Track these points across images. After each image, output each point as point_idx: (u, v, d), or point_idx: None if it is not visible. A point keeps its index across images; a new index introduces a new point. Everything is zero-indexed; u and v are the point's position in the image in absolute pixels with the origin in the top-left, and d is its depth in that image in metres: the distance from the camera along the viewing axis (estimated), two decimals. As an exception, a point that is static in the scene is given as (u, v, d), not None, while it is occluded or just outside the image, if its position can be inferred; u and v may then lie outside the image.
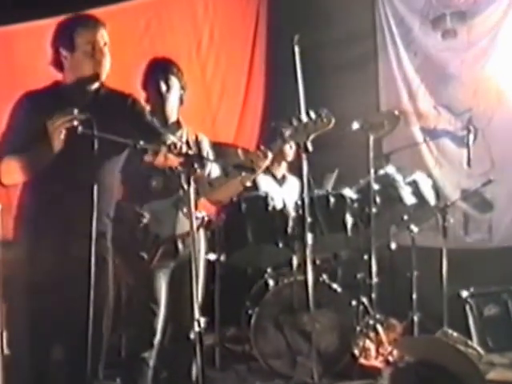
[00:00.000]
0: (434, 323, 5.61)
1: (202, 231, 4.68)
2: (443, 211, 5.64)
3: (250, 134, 7.07)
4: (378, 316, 5.36)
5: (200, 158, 3.91)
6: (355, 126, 5.28)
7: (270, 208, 5.23)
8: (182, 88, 4.75)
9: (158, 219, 4.49)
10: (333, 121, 4.27)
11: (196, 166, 3.66)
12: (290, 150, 5.88)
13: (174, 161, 3.89)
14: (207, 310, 4.63)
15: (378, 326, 5.36)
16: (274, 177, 6.07)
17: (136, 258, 4.37)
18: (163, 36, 6.94)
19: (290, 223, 5.20)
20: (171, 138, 3.85)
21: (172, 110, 4.71)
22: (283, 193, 5.81)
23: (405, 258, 5.71)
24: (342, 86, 6.77)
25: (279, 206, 5.27)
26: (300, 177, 4.61)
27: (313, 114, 4.27)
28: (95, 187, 3.54)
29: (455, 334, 5.45)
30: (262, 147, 4.46)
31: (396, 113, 5.68)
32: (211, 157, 4.87)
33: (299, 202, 5.15)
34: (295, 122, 4.27)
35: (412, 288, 5.62)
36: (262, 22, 7.28)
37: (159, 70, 4.68)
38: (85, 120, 3.59)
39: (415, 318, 5.58)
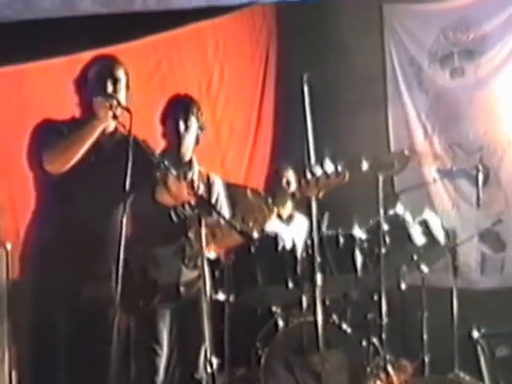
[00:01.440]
0: (444, 364, 5.56)
1: (208, 273, 4.68)
2: (453, 251, 5.61)
3: (259, 174, 7.08)
4: (388, 356, 5.29)
5: (210, 205, 3.93)
6: (364, 166, 5.28)
7: (279, 248, 5.23)
8: (200, 128, 4.77)
9: (158, 265, 4.51)
10: (347, 176, 4.24)
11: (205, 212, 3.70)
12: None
13: (184, 198, 3.90)
14: (217, 350, 4.60)
15: (389, 367, 5.29)
16: (279, 217, 6.09)
17: (133, 303, 4.37)
18: (173, 74, 7.01)
19: (300, 263, 5.20)
20: (191, 175, 3.87)
21: (187, 149, 4.73)
22: (291, 232, 5.81)
23: (415, 298, 5.68)
24: (353, 127, 6.80)
25: (288, 246, 5.27)
26: (308, 216, 4.62)
27: (328, 166, 4.24)
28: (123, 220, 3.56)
29: (467, 377, 5.40)
30: (269, 200, 4.46)
31: (406, 152, 5.69)
32: (223, 197, 4.88)
33: (309, 242, 5.15)
34: (308, 175, 4.25)
35: (422, 328, 5.58)
36: (272, 61, 7.33)
37: (180, 107, 4.70)
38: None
39: (426, 359, 5.53)
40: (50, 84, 6.34)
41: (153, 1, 6.73)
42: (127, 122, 3.75)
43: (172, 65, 7.07)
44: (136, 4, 6.74)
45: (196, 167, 4.77)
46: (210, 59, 7.26)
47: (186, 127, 4.68)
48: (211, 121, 7.00)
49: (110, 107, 3.78)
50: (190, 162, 4.76)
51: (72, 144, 3.79)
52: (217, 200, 4.86)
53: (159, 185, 3.97)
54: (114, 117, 3.80)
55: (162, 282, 4.53)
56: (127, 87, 4.11)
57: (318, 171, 4.26)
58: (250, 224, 4.53)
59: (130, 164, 3.55)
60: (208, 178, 4.89)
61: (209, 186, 4.79)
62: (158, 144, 4.69)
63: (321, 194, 4.35)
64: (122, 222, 3.59)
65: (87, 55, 6.32)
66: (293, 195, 4.55)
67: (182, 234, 4.51)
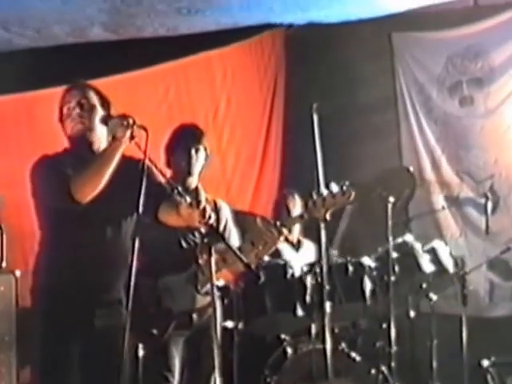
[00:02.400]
0: (454, 392, 5.56)
1: (219, 300, 4.69)
2: (462, 279, 5.60)
3: (266, 202, 7.05)
4: (397, 385, 5.30)
5: (219, 236, 3.93)
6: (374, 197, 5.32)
7: (288, 276, 5.23)
8: (207, 157, 4.81)
9: (172, 294, 4.53)
10: (353, 195, 4.28)
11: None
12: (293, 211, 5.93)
13: (194, 224, 3.91)
14: (226, 377, 4.60)
15: (398, 395, 5.30)
16: (288, 242, 6.10)
17: (147, 332, 4.38)
18: (181, 102, 7.04)
19: (309, 291, 5.19)
20: (204, 203, 3.88)
21: (194, 177, 4.76)
22: (300, 258, 5.81)
23: (424, 326, 5.66)
24: (362, 154, 6.81)
25: (297, 273, 5.27)
26: (317, 242, 4.63)
27: (334, 187, 4.28)
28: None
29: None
30: (278, 223, 4.48)
31: (410, 169, 5.70)
32: (231, 223, 4.90)
33: (317, 270, 5.15)
34: (315, 196, 4.29)
35: (432, 356, 5.58)
36: (280, 89, 7.33)
37: (190, 137, 4.74)
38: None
39: (435, 388, 5.54)
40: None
41: (163, 28, 6.76)
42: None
43: (179, 93, 7.10)
44: (146, 31, 6.78)
45: (203, 194, 4.80)
46: (218, 88, 7.28)
47: (196, 156, 4.73)
48: (217, 149, 7.01)
49: (127, 126, 3.76)
50: (197, 189, 4.80)
51: (97, 171, 3.77)
52: (225, 226, 4.88)
53: (163, 205, 3.96)
54: (131, 137, 3.77)
55: (176, 310, 4.55)
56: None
57: (324, 192, 4.30)
58: (260, 247, 4.56)
59: (143, 187, 3.56)
60: (215, 203, 4.91)
61: (216, 212, 4.81)
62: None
63: (328, 215, 4.37)
64: (133, 246, 3.59)
65: (97, 83, 6.41)
66: (301, 217, 4.55)
67: (193, 261, 4.54)
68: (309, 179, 4.48)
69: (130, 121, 3.78)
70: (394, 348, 5.29)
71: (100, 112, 4.02)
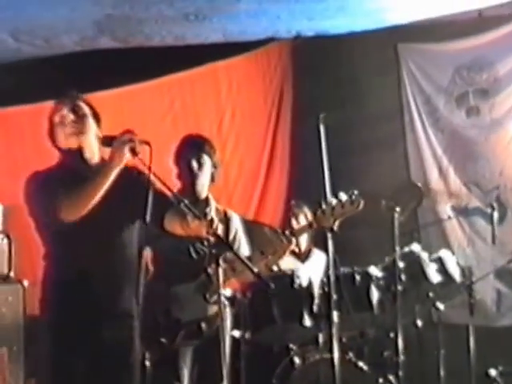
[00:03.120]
0: (462, 401, 5.56)
1: (228, 309, 4.70)
2: (469, 288, 5.61)
3: (271, 213, 7.09)
4: (405, 394, 5.30)
5: (228, 246, 3.95)
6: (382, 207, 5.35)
7: (295, 286, 5.24)
8: (214, 166, 4.82)
9: (181, 304, 4.55)
10: (361, 204, 4.30)
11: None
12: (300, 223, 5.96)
13: (202, 234, 3.92)
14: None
15: (406, 405, 5.31)
16: (294, 253, 6.12)
17: (156, 342, 4.40)
18: (186, 114, 7.05)
19: (316, 301, 5.20)
20: (211, 214, 3.89)
21: (202, 188, 4.79)
22: (307, 269, 5.82)
23: (432, 335, 5.67)
24: (370, 165, 6.84)
25: (305, 283, 5.28)
26: (325, 252, 4.65)
27: (343, 196, 4.30)
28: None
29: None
30: (287, 232, 4.50)
31: (419, 184, 5.73)
32: (241, 233, 4.91)
33: (325, 280, 5.16)
34: (323, 205, 4.31)
35: (439, 366, 5.58)
36: (287, 100, 7.34)
37: (192, 147, 4.76)
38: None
39: (443, 397, 5.54)
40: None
41: (170, 36, 6.78)
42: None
43: (185, 105, 7.11)
44: (154, 40, 6.80)
45: (213, 204, 4.82)
46: (223, 99, 7.29)
47: (200, 166, 4.75)
48: (220, 160, 7.04)
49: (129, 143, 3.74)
50: (207, 199, 4.81)
51: (88, 192, 3.72)
52: (235, 236, 4.89)
53: (169, 215, 3.96)
54: (134, 153, 3.76)
55: (185, 320, 4.57)
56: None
57: (333, 201, 4.32)
58: (270, 256, 4.57)
59: (150, 198, 3.57)
60: (225, 214, 4.93)
61: (226, 222, 4.84)
62: (174, 185, 4.73)
63: (336, 224, 4.39)
64: (140, 256, 3.61)
65: (102, 95, 6.44)
66: (310, 225, 4.57)
67: (202, 271, 4.56)
68: (316, 190, 4.50)
69: (131, 137, 3.71)
70: (402, 357, 5.31)
71: (92, 122, 4.01)
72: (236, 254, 4.03)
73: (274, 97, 7.35)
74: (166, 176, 4.22)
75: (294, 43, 7.24)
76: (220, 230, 3.95)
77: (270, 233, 4.92)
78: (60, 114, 3.99)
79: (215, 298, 4.60)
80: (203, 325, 4.61)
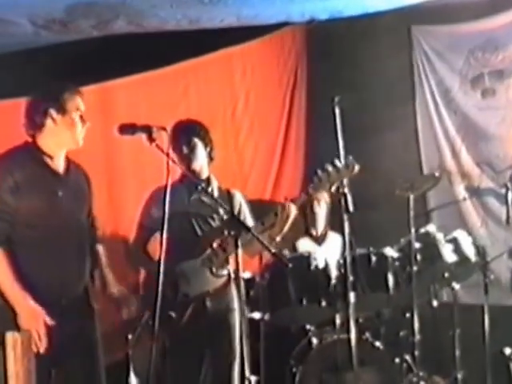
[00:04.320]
0: (477, 381, 5.60)
1: (233, 288, 4.80)
2: (484, 268, 5.64)
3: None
4: (421, 373, 5.35)
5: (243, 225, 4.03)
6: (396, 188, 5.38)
7: (312, 267, 5.31)
8: (207, 145, 4.89)
9: (187, 278, 4.65)
10: (356, 167, 4.37)
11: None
12: (319, 209, 6.02)
13: None
14: (252, 368, 4.69)
15: (422, 384, 5.37)
16: (311, 236, 6.19)
17: (166, 317, 4.49)
18: (200, 100, 7.05)
19: (333, 282, 5.27)
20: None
21: (201, 168, 4.86)
22: (323, 252, 5.88)
23: (447, 315, 5.72)
24: (384, 146, 6.87)
25: (321, 265, 5.34)
26: (342, 234, 4.71)
27: (337, 162, 4.38)
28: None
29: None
30: (286, 202, 4.58)
31: (437, 174, 5.76)
32: (245, 210, 4.99)
33: (341, 261, 5.22)
34: (319, 172, 4.39)
35: (455, 345, 5.63)
36: (302, 84, 7.35)
37: (181, 133, 4.83)
38: None
39: (459, 376, 5.58)
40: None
41: (185, 21, 6.77)
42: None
43: (199, 91, 7.12)
44: (169, 24, 6.80)
45: (215, 183, 4.91)
46: (237, 84, 7.26)
47: (191, 149, 4.83)
48: (234, 145, 7.06)
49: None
50: (208, 179, 4.90)
51: None
52: (239, 211, 4.96)
53: None
54: (151, 139, 3.79)
55: (193, 294, 4.68)
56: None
57: (329, 167, 4.38)
58: (274, 228, 4.64)
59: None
60: (228, 192, 5.00)
61: (230, 200, 4.91)
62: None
63: (333, 189, 4.45)
64: (162, 240, 3.70)
65: (118, 83, 6.49)
66: (307, 193, 4.62)
67: (207, 246, 4.67)
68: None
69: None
70: (418, 337, 5.36)
71: None
72: (254, 235, 4.10)
73: (288, 81, 7.35)
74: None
75: (308, 27, 7.26)
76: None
77: (271, 206, 5.02)
78: None
79: (222, 271, 4.72)
80: (208, 299, 4.71)
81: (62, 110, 3.96)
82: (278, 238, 4.75)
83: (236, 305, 4.78)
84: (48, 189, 3.95)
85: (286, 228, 4.71)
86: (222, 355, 4.80)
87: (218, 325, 4.78)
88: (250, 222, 4.88)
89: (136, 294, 4.66)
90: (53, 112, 3.95)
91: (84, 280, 4.11)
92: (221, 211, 4.76)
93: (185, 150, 4.82)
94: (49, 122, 3.96)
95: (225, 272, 4.78)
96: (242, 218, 4.83)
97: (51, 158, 4.01)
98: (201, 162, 4.88)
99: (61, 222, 3.97)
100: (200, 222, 4.83)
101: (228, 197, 4.93)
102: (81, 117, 4.03)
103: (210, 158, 4.94)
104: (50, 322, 3.76)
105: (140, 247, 4.90)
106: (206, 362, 4.84)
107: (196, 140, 4.86)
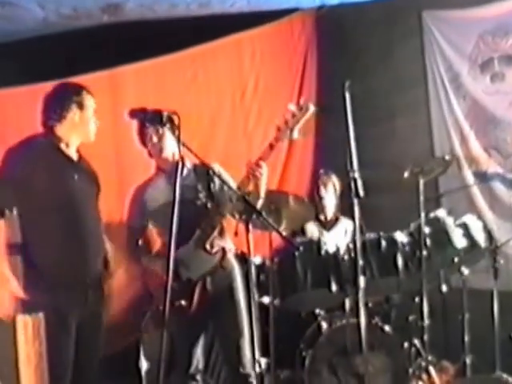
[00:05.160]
0: (486, 365, 5.60)
1: (237, 268, 4.85)
2: (494, 253, 5.64)
3: (296, 184, 7.10)
4: (430, 358, 5.36)
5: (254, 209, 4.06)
6: (406, 174, 5.37)
7: (322, 252, 5.32)
8: (172, 130, 4.87)
9: (186, 264, 4.69)
10: (311, 109, 4.42)
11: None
12: (326, 195, 6.03)
13: None
14: (262, 352, 4.72)
15: (431, 368, 5.36)
16: (320, 222, 6.19)
17: (175, 307, 4.53)
18: (209, 85, 7.06)
19: (343, 267, 5.28)
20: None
21: (173, 155, 4.87)
22: (333, 237, 5.90)
23: (456, 300, 5.73)
24: (394, 132, 6.87)
25: (331, 249, 5.35)
26: (352, 219, 4.71)
27: (291, 107, 4.45)
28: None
29: (510, 378, 5.42)
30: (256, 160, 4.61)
31: (447, 157, 5.76)
32: (225, 175, 4.95)
33: (351, 246, 5.23)
34: (278, 123, 4.45)
35: (464, 330, 5.64)
36: (312, 69, 7.33)
37: (146, 125, 4.87)
38: None
39: (467, 360, 5.58)
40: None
41: (195, 5, 6.76)
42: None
43: (208, 76, 7.12)
44: (179, 8, 6.79)
45: (188, 163, 4.90)
46: (247, 68, 7.28)
47: (159, 138, 4.85)
48: (243, 131, 7.07)
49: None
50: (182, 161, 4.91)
51: None
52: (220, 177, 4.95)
53: None
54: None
55: (196, 277, 4.72)
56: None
57: (286, 115, 4.54)
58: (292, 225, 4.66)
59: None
60: (206, 166, 4.98)
61: (208, 174, 4.90)
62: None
63: (295, 133, 4.55)
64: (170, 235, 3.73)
65: (127, 69, 6.49)
66: (270, 145, 4.65)
67: (197, 227, 4.69)
68: (342, 158, 4.54)
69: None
70: (427, 322, 5.36)
71: None
72: (264, 219, 4.11)
73: (297, 66, 7.34)
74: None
75: (318, 12, 7.24)
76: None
77: (293, 201, 5.08)
78: None
79: (215, 248, 4.76)
80: (209, 279, 4.75)
81: (81, 106, 4.31)
82: (261, 202, 4.76)
83: (239, 279, 4.83)
84: (65, 174, 4.24)
85: (263, 188, 4.72)
86: (228, 331, 4.86)
87: (222, 301, 4.82)
88: (232, 184, 4.88)
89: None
90: (74, 107, 4.29)
91: (101, 261, 4.33)
92: (200, 189, 4.79)
93: (154, 139, 4.86)
94: (70, 115, 4.29)
95: (217, 248, 4.81)
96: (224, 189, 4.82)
97: (67, 147, 4.32)
98: (170, 147, 4.89)
99: (78, 203, 4.23)
100: (186, 206, 4.82)
101: (207, 172, 4.91)
102: (93, 114, 4.37)
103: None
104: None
105: (133, 247, 4.97)
106: (215, 340, 4.90)
107: (160, 128, 4.85)
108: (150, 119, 4.66)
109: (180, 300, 4.67)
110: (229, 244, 4.99)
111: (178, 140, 3.77)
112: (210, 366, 5.53)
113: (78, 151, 4.40)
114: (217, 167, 4.97)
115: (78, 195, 4.24)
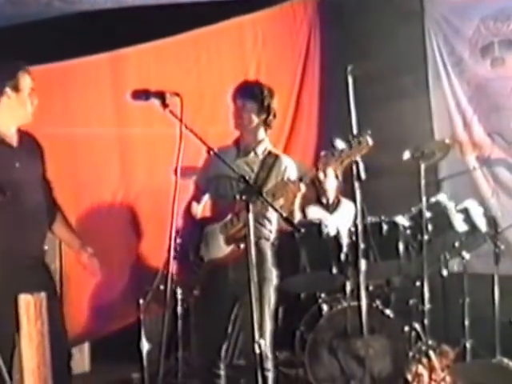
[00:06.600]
0: (486, 350, 5.62)
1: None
2: (494, 238, 5.65)
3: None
4: (430, 342, 5.35)
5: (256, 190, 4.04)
6: (406, 155, 5.36)
7: (323, 235, 5.32)
8: (261, 112, 4.84)
9: (207, 242, 4.69)
10: (370, 144, 4.30)
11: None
12: (325, 179, 5.98)
13: None
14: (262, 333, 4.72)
15: (431, 352, 5.36)
16: (321, 204, 6.19)
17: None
18: (211, 69, 7.04)
19: (344, 249, 5.29)
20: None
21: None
22: (335, 219, 5.89)
23: (457, 284, 5.74)
24: (395, 115, 6.87)
25: (333, 232, 5.35)
26: (353, 202, 4.71)
27: (351, 139, 4.35)
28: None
29: (511, 363, 5.44)
30: (295, 180, 4.56)
31: (447, 141, 5.76)
32: (291, 174, 4.91)
33: (353, 229, 5.24)
34: (332, 149, 4.37)
35: (464, 314, 5.66)
36: (314, 53, 7.36)
37: (238, 94, 4.85)
38: None
39: (468, 345, 5.61)
40: (92, 80, 6.27)
41: (196, -11, 6.76)
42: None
43: (210, 59, 7.10)
44: (182, -9, 6.78)
45: (262, 147, 4.95)
46: (249, 52, 7.24)
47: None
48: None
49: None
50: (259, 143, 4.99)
51: None
52: (282, 176, 4.92)
53: None
54: (165, 105, 3.86)
55: (207, 258, 4.74)
56: None
57: (341, 144, 4.35)
58: (281, 201, 4.62)
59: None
60: (276, 156, 4.98)
61: (274, 164, 4.90)
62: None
63: (344, 165, 4.41)
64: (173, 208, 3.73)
65: (129, 51, 6.47)
66: (316, 168, 4.59)
67: (230, 212, 4.67)
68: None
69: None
70: (427, 306, 5.36)
71: None
72: (265, 200, 4.09)
73: (300, 50, 7.35)
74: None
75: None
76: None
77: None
78: None
79: (230, 244, 4.70)
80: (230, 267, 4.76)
81: (16, 89, 4.18)
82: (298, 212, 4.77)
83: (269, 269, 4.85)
84: (6, 162, 4.15)
85: (297, 205, 4.71)
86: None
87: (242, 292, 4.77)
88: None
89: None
90: (8, 90, 4.17)
91: (43, 241, 4.32)
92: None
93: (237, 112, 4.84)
94: (4, 99, 4.18)
95: (231, 246, 4.73)
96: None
97: (5, 133, 4.22)
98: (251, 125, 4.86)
99: (19, 190, 4.15)
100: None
101: (274, 161, 4.90)
102: (30, 94, 4.23)
103: (266, 124, 4.91)
104: None
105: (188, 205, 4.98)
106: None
107: (249, 105, 4.84)
108: (241, 91, 4.79)
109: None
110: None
111: (180, 120, 3.73)
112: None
113: (18, 132, 4.28)
114: (286, 159, 4.96)
115: (20, 182, 4.17)
